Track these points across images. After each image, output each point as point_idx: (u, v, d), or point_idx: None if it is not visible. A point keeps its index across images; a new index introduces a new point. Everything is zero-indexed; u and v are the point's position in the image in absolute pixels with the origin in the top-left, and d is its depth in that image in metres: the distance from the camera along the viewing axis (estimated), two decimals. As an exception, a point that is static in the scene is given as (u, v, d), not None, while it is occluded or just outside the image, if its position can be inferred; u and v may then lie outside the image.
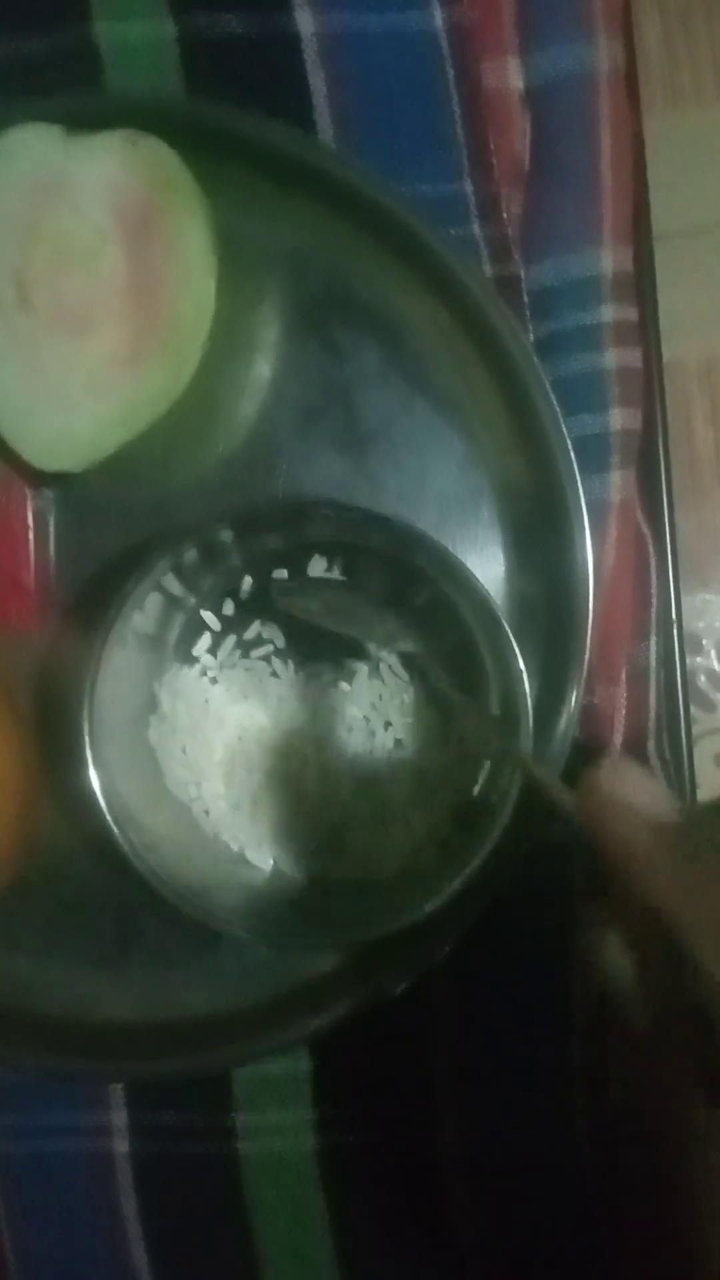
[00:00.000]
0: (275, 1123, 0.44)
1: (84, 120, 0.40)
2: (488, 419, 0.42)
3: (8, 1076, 0.45)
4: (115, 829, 0.39)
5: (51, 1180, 0.45)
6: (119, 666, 0.40)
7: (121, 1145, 0.44)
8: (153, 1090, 0.44)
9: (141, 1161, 0.44)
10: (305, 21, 0.43)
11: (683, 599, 0.44)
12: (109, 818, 0.39)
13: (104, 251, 0.39)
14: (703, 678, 0.48)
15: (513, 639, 0.39)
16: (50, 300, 0.40)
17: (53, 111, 0.41)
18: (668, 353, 0.45)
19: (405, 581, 0.42)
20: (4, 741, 0.40)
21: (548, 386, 0.41)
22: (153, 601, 0.41)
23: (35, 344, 0.40)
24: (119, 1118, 0.44)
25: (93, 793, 0.39)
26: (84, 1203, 0.45)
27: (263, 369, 0.43)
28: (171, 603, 0.42)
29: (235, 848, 0.42)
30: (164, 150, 0.39)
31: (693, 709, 0.45)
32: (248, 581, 0.43)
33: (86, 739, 0.39)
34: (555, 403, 0.41)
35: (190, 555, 0.41)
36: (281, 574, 0.43)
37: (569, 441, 0.41)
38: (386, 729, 0.43)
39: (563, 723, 0.41)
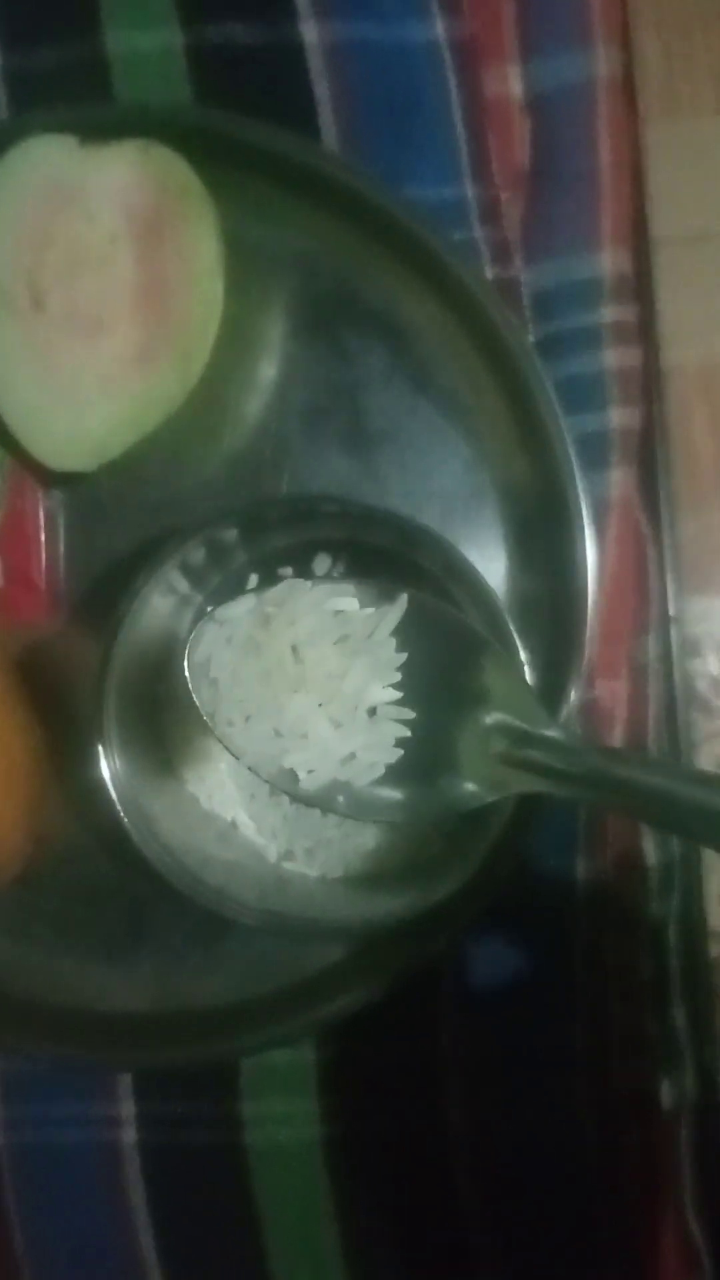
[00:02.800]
0: (282, 1112, 0.45)
1: (96, 130, 0.41)
2: (491, 419, 0.43)
3: (17, 1066, 0.45)
4: (126, 821, 0.39)
5: (60, 1170, 0.45)
6: (129, 662, 0.41)
7: (129, 1135, 0.45)
8: (160, 1080, 0.45)
9: (149, 1151, 0.45)
10: (310, 31, 0.44)
11: (685, 604, 0.45)
12: (120, 810, 0.39)
13: (115, 256, 0.40)
14: (703, 683, 0.48)
15: (515, 634, 0.39)
16: (63, 303, 0.40)
17: (65, 122, 0.41)
18: (667, 360, 0.45)
19: (408, 579, 0.43)
20: (16, 736, 0.41)
21: (549, 386, 0.42)
22: (161, 599, 0.42)
23: (48, 346, 0.41)
24: (127, 1108, 0.45)
25: (104, 786, 0.40)
26: (93, 1192, 0.45)
27: (269, 371, 0.44)
28: (180, 601, 0.43)
29: (245, 839, 0.43)
30: (174, 159, 0.40)
31: (695, 714, 0.46)
32: (254, 579, 0.44)
33: (100, 733, 0.39)
34: (556, 402, 0.42)
35: (197, 554, 0.41)
36: (287, 571, 0.44)
37: (569, 440, 0.42)
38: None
39: (562, 718, 0.42)
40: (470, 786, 0.35)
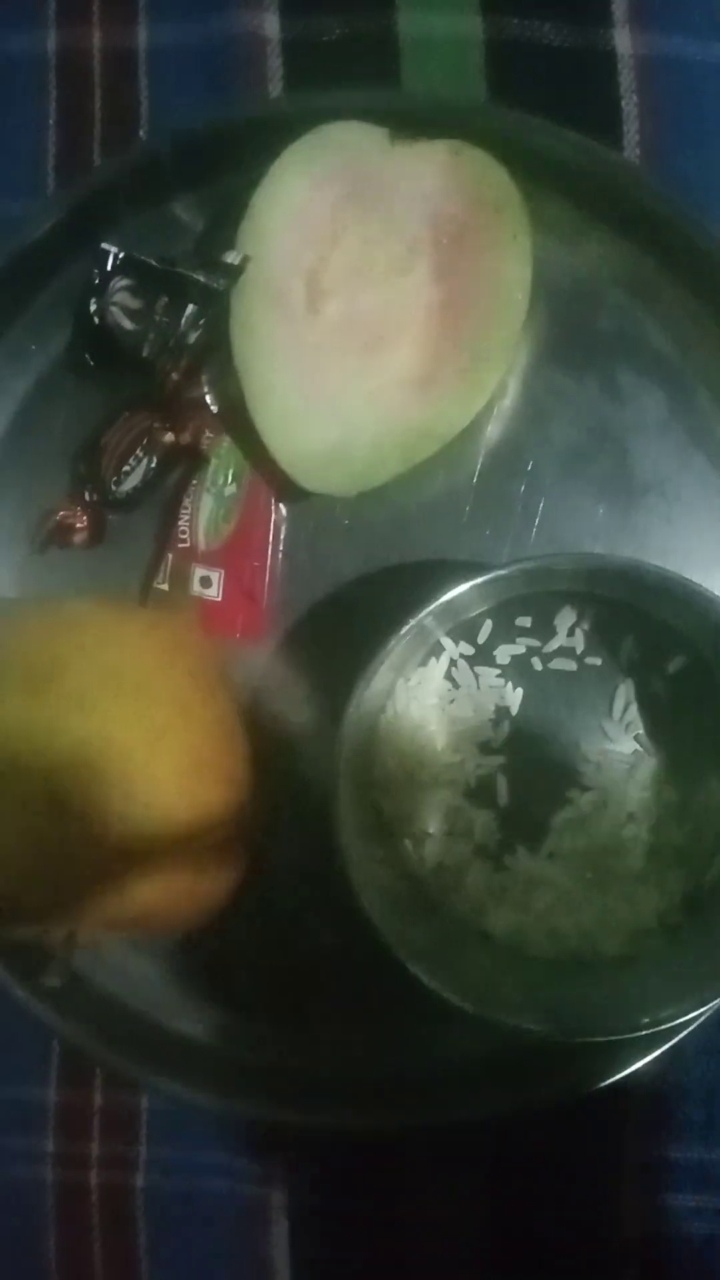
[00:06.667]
0: (443, 1190, 0.42)
1: (388, 117, 0.38)
2: (776, 485, 0.40)
3: (164, 1108, 0.42)
4: (356, 882, 0.36)
5: (199, 1218, 0.43)
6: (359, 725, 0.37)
7: (279, 1196, 0.42)
8: (318, 1143, 0.42)
9: (299, 1215, 0.42)
10: (624, 40, 0.41)
11: None
12: (351, 872, 0.36)
13: (414, 267, 0.37)
14: None
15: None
16: (344, 310, 0.37)
17: (359, 105, 0.38)
18: None
19: (659, 643, 0.40)
20: (243, 765, 0.38)
21: None
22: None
23: (320, 353, 0.37)
24: (278, 1167, 0.42)
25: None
26: (231, 1247, 0.43)
27: (535, 401, 0.41)
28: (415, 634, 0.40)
29: (449, 901, 0.40)
30: (491, 165, 0.37)
31: None
32: (488, 625, 0.41)
33: (339, 788, 0.36)
34: None
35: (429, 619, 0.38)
36: (525, 621, 0.41)
37: None
38: (620, 799, 0.40)
39: None
40: None
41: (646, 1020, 0.36)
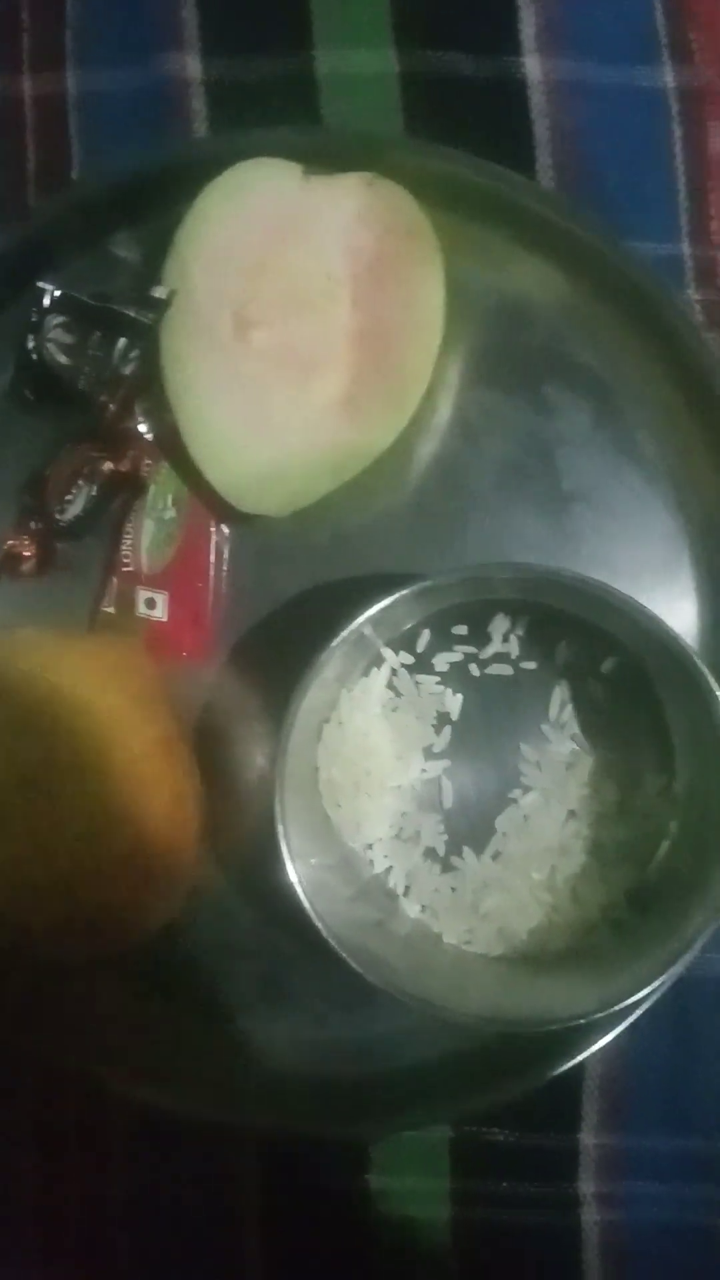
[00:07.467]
0: (411, 1189, 0.43)
1: (308, 154, 0.39)
2: (700, 492, 0.41)
3: (129, 1118, 0.43)
4: (301, 891, 0.37)
5: (173, 1225, 0.43)
6: (304, 716, 0.39)
7: (252, 1199, 0.43)
8: (284, 1148, 0.43)
9: (272, 1217, 0.43)
10: (534, 67, 0.42)
11: None
12: (294, 878, 0.37)
13: (334, 295, 0.38)
14: None
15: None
16: (271, 338, 0.38)
17: (279, 143, 0.39)
18: None
19: (591, 645, 0.41)
20: (187, 780, 0.39)
21: (768, 465, 0.40)
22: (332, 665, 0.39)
23: (250, 381, 0.38)
24: (250, 1171, 0.43)
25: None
26: (202, 1251, 0.43)
27: (465, 418, 0.42)
28: (355, 645, 0.41)
29: (399, 905, 0.41)
30: (402, 195, 0.38)
31: None
32: (425, 635, 0.42)
33: (278, 797, 0.37)
34: (777, 483, 0.40)
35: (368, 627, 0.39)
36: (461, 629, 0.42)
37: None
38: (560, 798, 0.42)
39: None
40: None
41: (585, 1010, 0.37)
